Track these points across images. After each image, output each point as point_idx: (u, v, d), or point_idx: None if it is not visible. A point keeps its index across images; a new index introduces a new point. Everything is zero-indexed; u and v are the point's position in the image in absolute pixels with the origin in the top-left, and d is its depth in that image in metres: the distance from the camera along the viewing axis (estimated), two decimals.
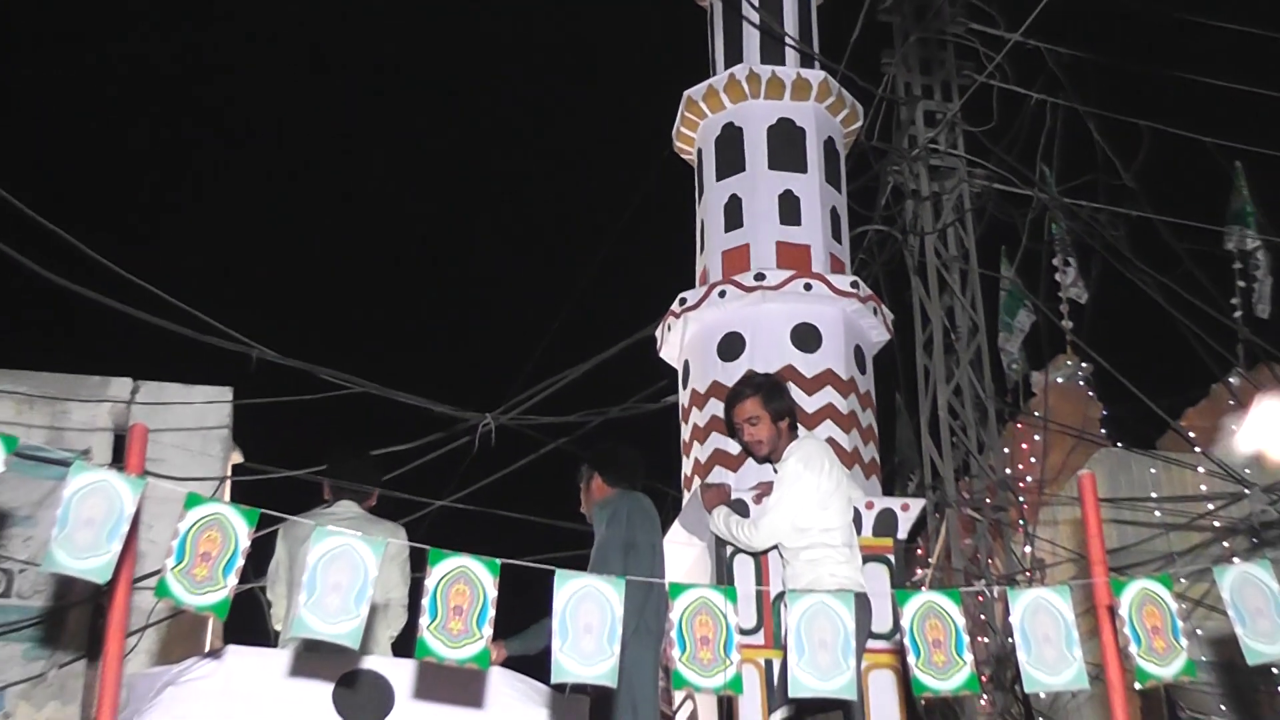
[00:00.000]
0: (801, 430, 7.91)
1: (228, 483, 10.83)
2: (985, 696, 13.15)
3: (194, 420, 10.90)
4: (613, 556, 7.59)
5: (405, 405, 11.24)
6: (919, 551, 14.18)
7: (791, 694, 5.37)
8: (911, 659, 5.44)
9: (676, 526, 8.72)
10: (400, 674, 6.60)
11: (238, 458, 11.34)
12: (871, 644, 7.75)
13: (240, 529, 5.07)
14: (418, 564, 5.16)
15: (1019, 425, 15.01)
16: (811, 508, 7.42)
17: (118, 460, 9.91)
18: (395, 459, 11.07)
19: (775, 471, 7.74)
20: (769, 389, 7.93)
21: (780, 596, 7.93)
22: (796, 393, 8.80)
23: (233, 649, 6.89)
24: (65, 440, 10.12)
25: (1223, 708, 12.32)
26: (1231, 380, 14.18)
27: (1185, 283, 13.54)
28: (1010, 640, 12.69)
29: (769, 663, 8.00)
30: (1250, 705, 12.44)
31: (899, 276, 14.91)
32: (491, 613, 5.09)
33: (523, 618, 5.64)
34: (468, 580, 5.11)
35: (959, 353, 14.54)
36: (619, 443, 8.39)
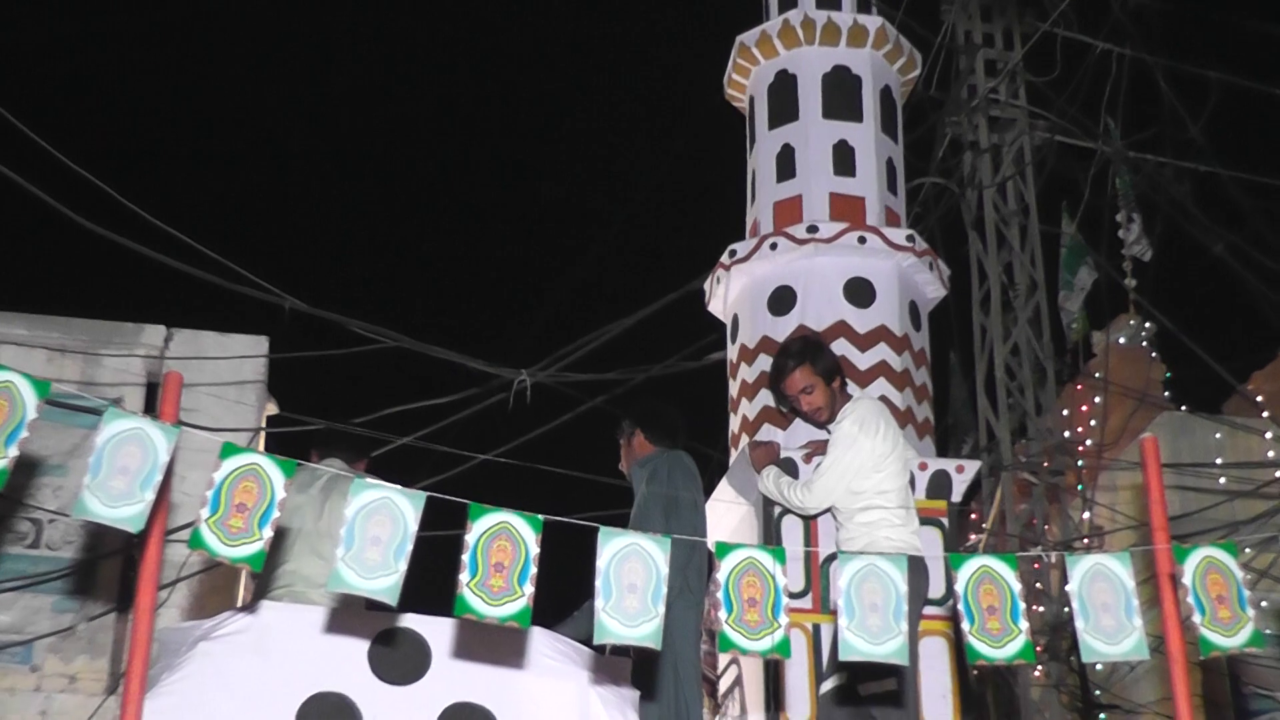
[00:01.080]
0: (855, 389, 7.93)
1: (262, 434, 10.88)
2: (1040, 667, 13.13)
3: (229, 370, 10.94)
4: (654, 514, 7.62)
5: (440, 360, 11.29)
6: (973, 516, 14.16)
7: (841, 657, 5.36)
8: (965, 625, 5.42)
9: (723, 485, 8.73)
10: (438, 632, 6.59)
11: (273, 409, 11.38)
12: (926, 610, 7.76)
13: (277, 480, 5.08)
14: (457, 519, 5.16)
15: (1078, 387, 14.96)
16: (866, 470, 7.45)
17: (150, 410, 9.97)
18: (429, 414, 11.14)
19: (828, 431, 7.74)
20: (813, 352, 7.97)
21: (829, 560, 7.94)
22: (849, 349, 8.82)
23: (267, 604, 6.92)
24: (97, 390, 10.17)
25: None
26: None
27: (1253, 240, 13.47)
28: (1067, 609, 12.68)
29: (817, 628, 8.01)
30: None
31: (956, 231, 14.89)
32: (534, 570, 5.09)
33: (564, 577, 5.64)
34: (510, 536, 5.12)
35: (1017, 311, 14.50)
36: (660, 399, 8.42)
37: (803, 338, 8.33)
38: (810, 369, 7.84)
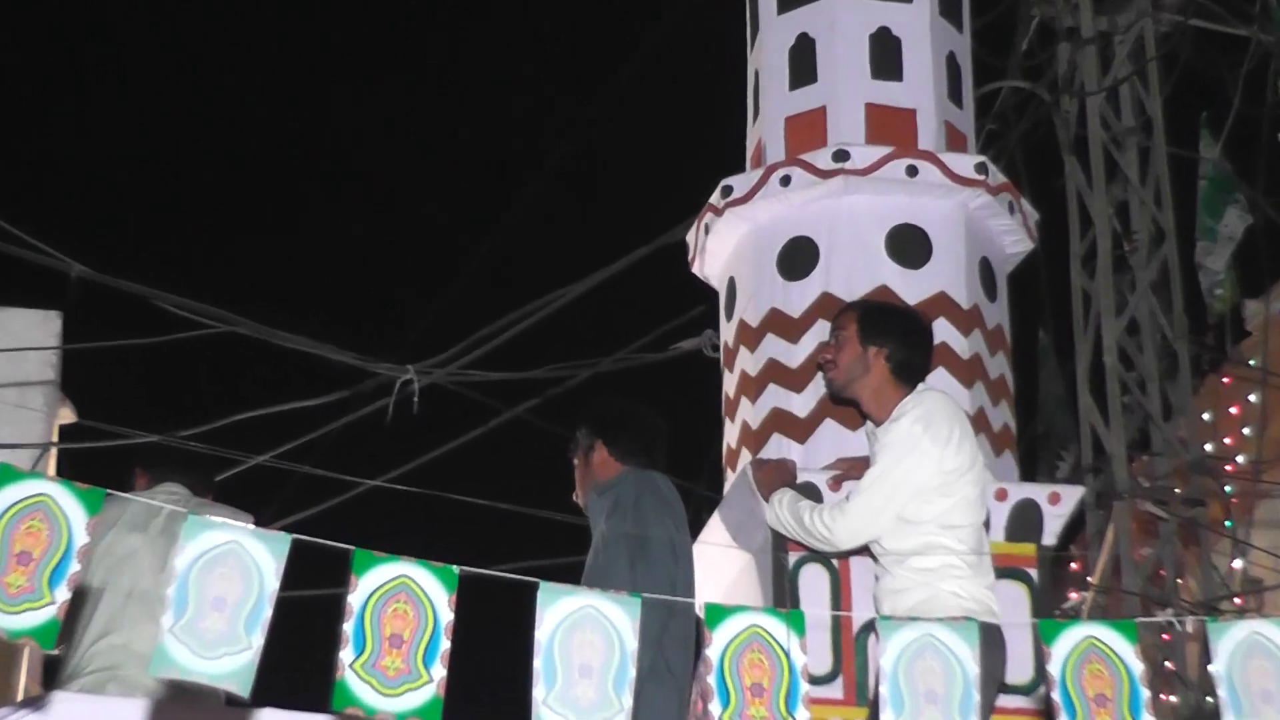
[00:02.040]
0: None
1: (53, 453, 10.89)
2: None
3: (5, 365, 10.93)
4: (618, 561, 7.65)
5: (294, 353, 11.26)
6: (1073, 566, 14.24)
7: None
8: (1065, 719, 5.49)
9: (715, 521, 8.77)
10: None
11: (69, 416, 11.38)
12: (1003, 700, 7.80)
13: (76, 518, 5.08)
14: (335, 572, 5.20)
15: (1225, 380, 15.03)
16: (929, 491, 7.42)
17: None
18: (287, 425, 11.15)
19: (871, 440, 7.78)
20: (882, 305, 8.25)
21: (869, 626, 8.00)
22: None
23: (62, 696, 6.94)
24: None
25: None
26: None
27: None
28: (1211, 698, 12.77)
29: None
30: None
31: (1048, 158, 14.92)
32: (446, 645, 5.14)
33: (489, 652, 5.68)
34: (411, 597, 5.17)
35: (1135, 271, 14.54)
36: (632, 402, 8.43)
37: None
38: (855, 314, 7.92)
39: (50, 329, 11.14)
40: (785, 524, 7.97)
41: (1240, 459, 14.40)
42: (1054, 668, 5.52)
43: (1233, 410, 14.70)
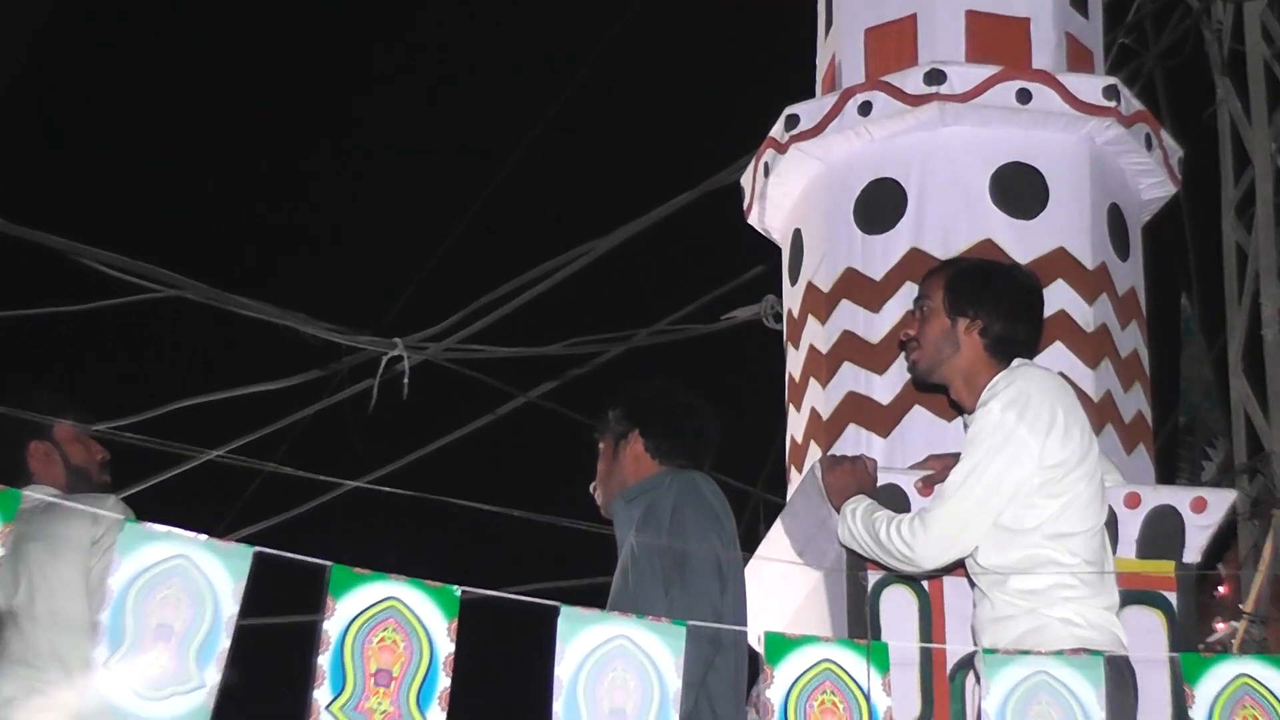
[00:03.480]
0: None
1: None
2: None
3: None
4: (649, 585, 7.68)
5: (254, 322, 11.30)
6: (1221, 590, 14.26)
7: None
8: None
9: (775, 534, 8.80)
10: None
11: None
12: None
13: None
14: (309, 593, 5.27)
15: None
16: (1030, 492, 7.45)
17: None
18: (237, 413, 11.21)
19: (966, 430, 7.80)
20: (971, 266, 8.11)
21: (966, 663, 8.06)
22: None
23: None
24: None
25: None
26: None
27: None
28: None
29: None
30: None
31: (1197, 81, 14.92)
32: (445, 683, 5.20)
33: (499, 692, 5.75)
34: (402, 624, 5.23)
35: None
36: (679, 387, 8.41)
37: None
38: (943, 280, 7.88)
39: None
40: (859, 539, 7.92)
41: None
42: (1199, 714, 5.58)
43: None
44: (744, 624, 7.78)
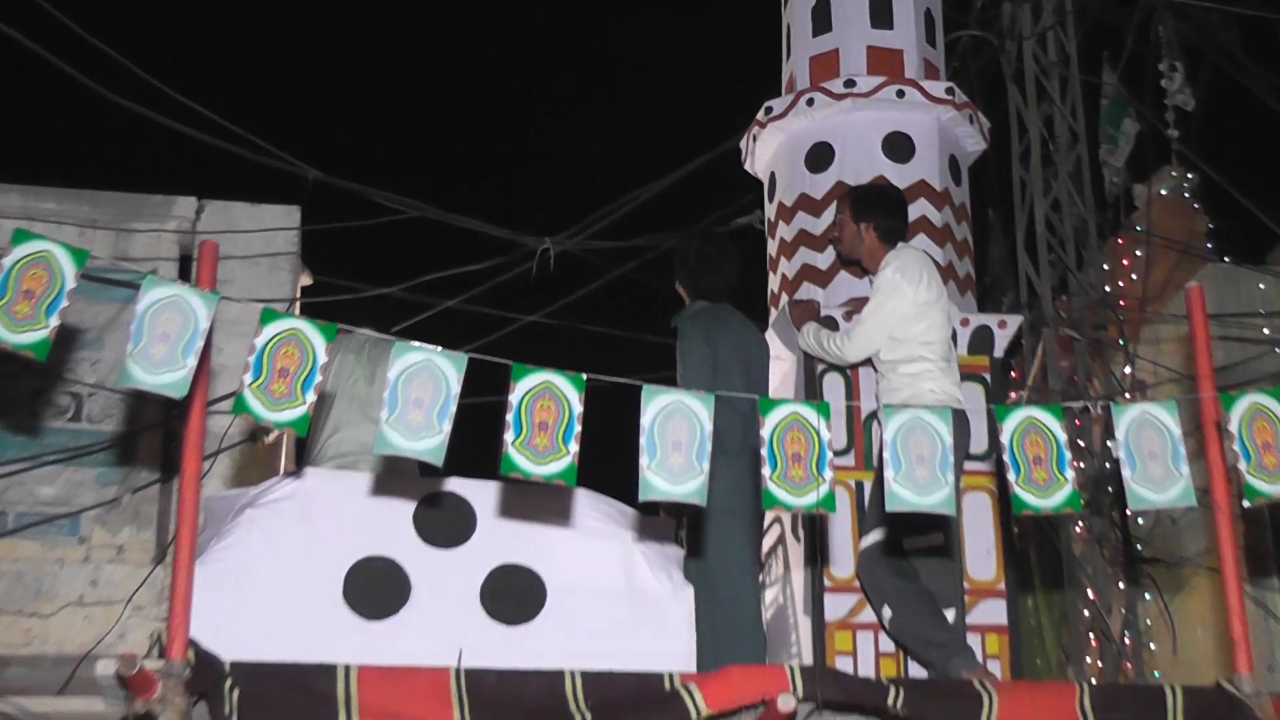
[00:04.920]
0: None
1: (297, 304, 10.92)
2: (1081, 522, 13.17)
3: (261, 242, 10.95)
4: (693, 371, 7.60)
5: (465, 229, 11.27)
6: (1013, 374, 14.15)
7: (889, 508, 5.42)
8: (1011, 476, 5.47)
9: (770, 337, 8.74)
10: (482, 496, 6.66)
11: (306, 279, 11.41)
12: (967, 465, 7.79)
13: (318, 344, 5.13)
14: (497, 384, 5.20)
15: (1120, 240, 14.84)
16: (909, 318, 7.47)
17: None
18: (458, 282, 11.16)
19: (872, 285, 7.76)
20: (862, 191, 8.19)
21: (871, 416, 7.99)
22: None
23: (311, 470, 6.98)
24: (130, 263, 10.20)
25: None
26: None
27: None
28: (1109, 464, 12.71)
29: (859, 485, 8.04)
30: None
31: (995, 85, 14.73)
32: (578, 428, 5.14)
33: (607, 437, 5.68)
34: (553, 395, 5.17)
35: (1058, 164, 14.35)
36: (704, 243, 8.28)
37: (883, 187, 8.45)
38: (849, 199, 8.02)
39: (292, 218, 11.18)
40: (811, 347, 8.03)
41: (1131, 297, 14.24)
42: (1005, 438, 5.51)
43: (1125, 262, 14.53)
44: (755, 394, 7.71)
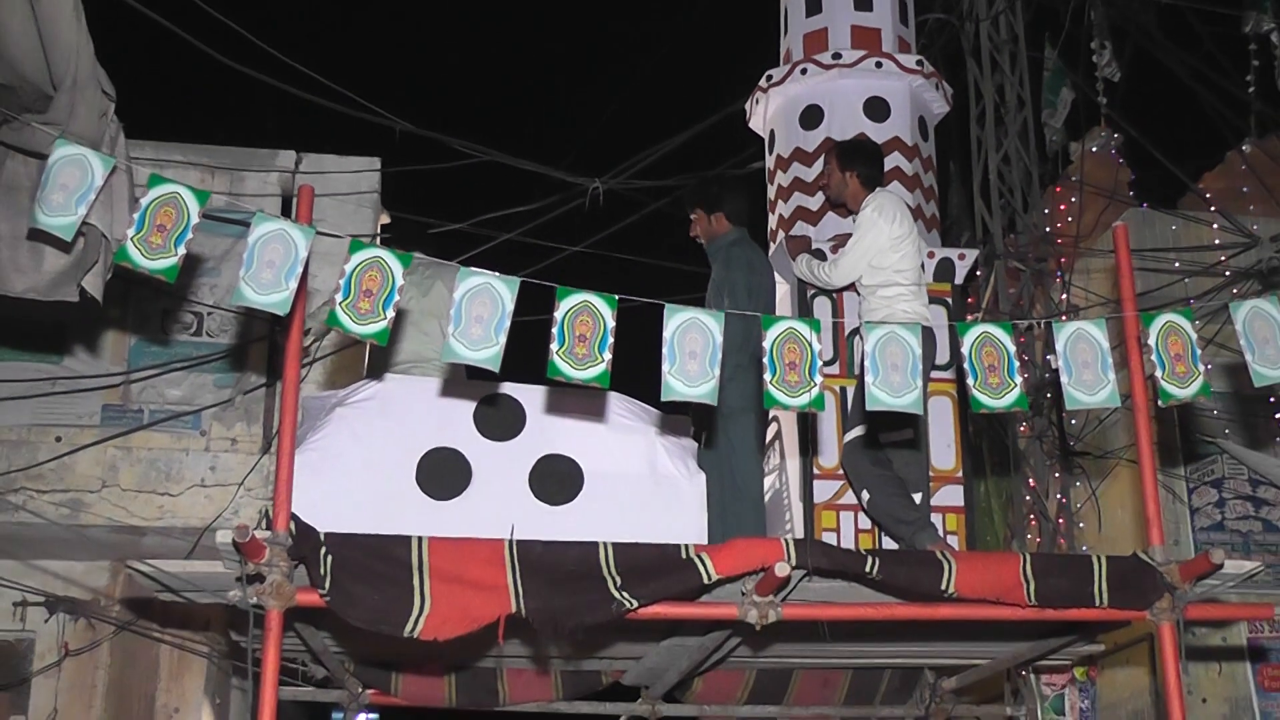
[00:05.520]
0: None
1: (378, 239, 10.90)
2: (1024, 422, 13.11)
3: (348, 186, 10.97)
4: (714, 293, 7.57)
5: (524, 171, 11.21)
6: (969, 300, 14.05)
7: (868, 407, 5.37)
8: (970, 381, 5.42)
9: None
10: (530, 397, 6.67)
11: (385, 218, 11.44)
12: (933, 374, 7.73)
13: (396, 270, 5.10)
14: (547, 300, 5.15)
15: (1058, 189, 14.69)
16: (885, 250, 7.37)
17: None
18: (520, 217, 11.11)
19: (855, 223, 7.66)
20: (846, 145, 8.01)
21: (854, 332, 7.93)
22: None
23: (390, 375, 6.97)
24: (240, 204, 10.20)
25: (1227, 432, 12.23)
26: (1244, 148, 13.84)
27: (1206, 61, 13.31)
28: (1047, 374, 12.64)
29: (844, 389, 8.00)
30: (1252, 430, 12.34)
31: (957, 59, 14.56)
32: (611, 340, 5.10)
33: (637, 348, 5.63)
34: (590, 312, 5.12)
35: (1007, 125, 14.19)
36: (730, 178, 8.20)
37: (862, 141, 8.31)
38: (835, 153, 7.87)
39: (373, 165, 11.18)
40: (804, 274, 7.94)
41: (1067, 235, 14.11)
42: (965, 349, 5.44)
43: (1062, 207, 14.39)
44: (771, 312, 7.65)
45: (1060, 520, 12.75)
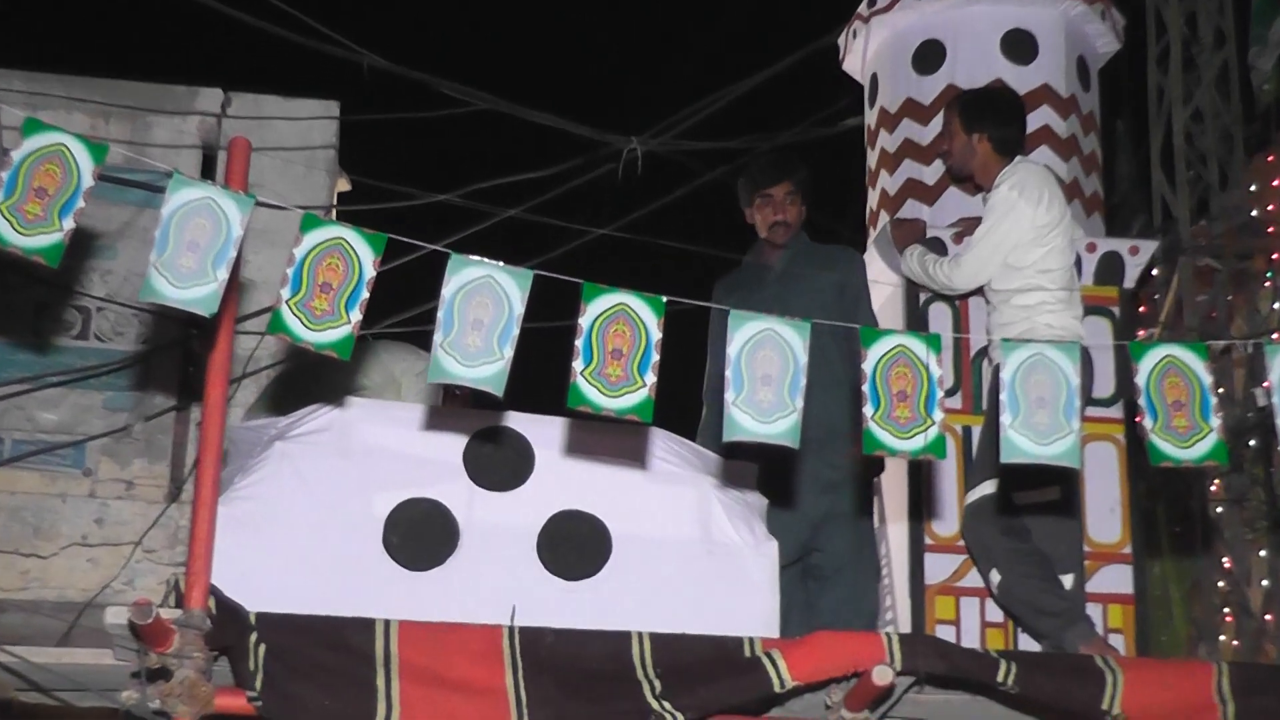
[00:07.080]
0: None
1: (333, 213, 10.91)
2: (1218, 480, 13.13)
3: (296, 139, 10.93)
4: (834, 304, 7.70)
5: (537, 126, 11.18)
6: (1142, 310, 14.08)
7: (1003, 458, 5.37)
8: (1148, 422, 5.43)
9: (871, 256, 8.72)
10: (542, 432, 6.63)
11: (344, 185, 11.39)
12: (1089, 411, 7.75)
13: (365, 257, 5.11)
14: (569, 301, 5.20)
15: (1269, 158, 14.71)
16: (1026, 243, 7.42)
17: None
18: (529, 188, 11.09)
19: (985, 204, 7.71)
20: (974, 96, 8.11)
21: (982, 353, 7.97)
22: None
23: (354, 400, 6.97)
24: (146, 160, 10.20)
25: None
26: None
27: None
28: (1250, 413, 12.65)
29: (967, 430, 8.03)
30: None
31: None
32: (655, 357, 5.10)
33: (689, 367, 5.69)
34: (628, 320, 5.14)
35: (1200, 69, 14.26)
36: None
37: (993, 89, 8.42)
38: (957, 108, 7.93)
39: (330, 110, 11.14)
40: (915, 273, 8.02)
41: None
42: (1140, 379, 5.46)
43: (1275, 183, 14.38)
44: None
45: (1268, 617, 12.75)
